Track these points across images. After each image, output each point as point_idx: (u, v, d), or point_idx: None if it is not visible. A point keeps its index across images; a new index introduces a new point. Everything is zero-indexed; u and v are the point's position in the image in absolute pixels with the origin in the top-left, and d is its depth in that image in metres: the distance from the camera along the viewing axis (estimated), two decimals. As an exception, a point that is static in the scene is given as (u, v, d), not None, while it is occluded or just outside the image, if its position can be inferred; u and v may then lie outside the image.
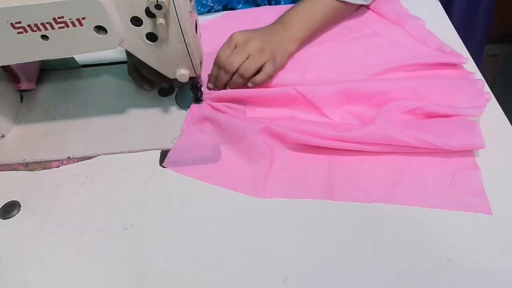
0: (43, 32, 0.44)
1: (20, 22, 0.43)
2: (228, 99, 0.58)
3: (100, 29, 0.45)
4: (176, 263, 0.45)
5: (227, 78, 0.58)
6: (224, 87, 0.59)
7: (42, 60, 0.65)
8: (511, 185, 0.48)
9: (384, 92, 0.54)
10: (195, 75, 0.55)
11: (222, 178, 0.51)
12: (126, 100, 0.61)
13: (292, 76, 0.60)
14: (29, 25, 0.43)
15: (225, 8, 0.76)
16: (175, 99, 0.61)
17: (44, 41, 0.45)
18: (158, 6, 0.42)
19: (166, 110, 0.59)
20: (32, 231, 0.49)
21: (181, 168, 0.53)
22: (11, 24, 0.43)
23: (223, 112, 0.56)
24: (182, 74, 0.52)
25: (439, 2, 0.72)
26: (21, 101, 0.63)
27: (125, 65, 0.63)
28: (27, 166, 0.55)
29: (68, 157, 0.56)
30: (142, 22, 0.46)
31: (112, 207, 0.50)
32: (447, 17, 0.69)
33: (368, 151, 0.51)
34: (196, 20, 0.51)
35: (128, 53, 0.61)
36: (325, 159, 0.52)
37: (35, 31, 0.44)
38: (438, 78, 0.57)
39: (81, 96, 0.63)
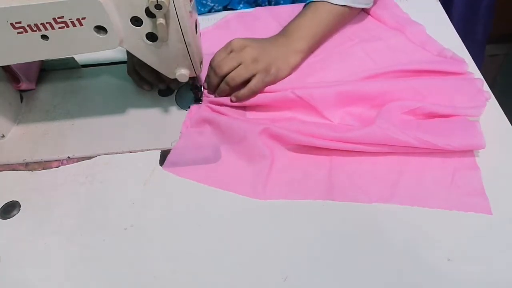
0: (43, 32, 0.44)
1: (20, 22, 0.43)
2: (226, 103, 0.57)
3: (100, 29, 0.45)
4: (176, 263, 0.45)
5: (216, 81, 0.57)
6: (214, 91, 0.58)
7: (42, 60, 0.65)
8: (511, 185, 0.48)
9: (383, 93, 0.54)
10: (195, 75, 0.55)
11: (222, 180, 0.51)
12: (126, 100, 0.61)
13: (292, 82, 0.59)
14: (29, 25, 0.43)
15: (225, 8, 0.76)
16: (175, 99, 0.61)
17: (44, 41, 0.45)
18: (158, 6, 0.42)
19: (166, 110, 0.59)
20: (32, 231, 0.49)
21: (181, 171, 0.52)
22: (11, 24, 0.43)
23: (223, 114, 0.56)
24: (182, 74, 0.52)
25: (439, 2, 0.72)
26: (21, 101, 0.63)
27: (125, 65, 0.63)
28: (27, 166, 0.55)
29: (68, 157, 0.56)
30: (142, 22, 0.46)
31: (112, 207, 0.50)
32: (447, 17, 0.69)
33: (368, 152, 0.51)
34: (196, 20, 0.51)
35: (128, 54, 0.61)
36: (325, 160, 0.52)
37: (35, 31, 0.44)
38: (438, 78, 0.57)
39: (81, 96, 0.63)
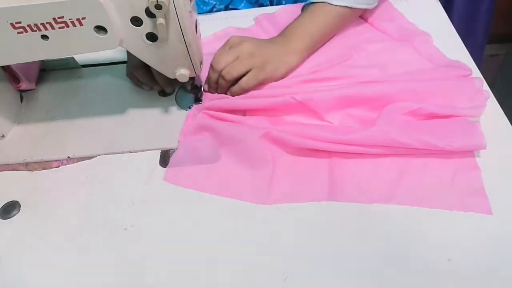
0: (43, 32, 0.44)
1: (20, 22, 0.43)
2: (225, 110, 0.57)
3: (100, 29, 0.45)
4: (176, 263, 0.45)
5: (215, 76, 0.57)
6: (214, 88, 0.59)
7: (42, 60, 0.65)
8: (511, 185, 0.48)
9: (383, 95, 0.54)
10: (195, 75, 0.55)
11: (225, 188, 0.51)
12: (126, 100, 0.61)
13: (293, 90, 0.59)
14: (29, 25, 0.43)
15: (226, 8, 0.76)
16: (175, 99, 0.61)
17: (44, 41, 0.45)
18: (158, 6, 0.42)
19: (166, 110, 0.59)
20: (32, 231, 0.49)
21: (182, 181, 0.52)
22: (11, 24, 0.43)
23: (221, 119, 0.55)
24: (182, 74, 0.52)
25: (439, 2, 0.72)
26: (21, 101, 0.63)
27: (125, 65, 0.63)
28: (27, 166, 0.55)
29: (68, 157, 0.56)
30: (142, 22, 0.46)
31: (112, 207, 0.50)
32: (447, 17, 0.69)
33: (369, 153, 0.51)
34: (196, 20, 0.51)
35: (128, 55, 0.61)
36: (325, 162, 0.51)
37: (35, 31, 0.44)
38: (437, 79, 0.56)
39: (81, 96, 0.63)
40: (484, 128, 0.50)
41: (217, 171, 0.52)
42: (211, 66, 0.57)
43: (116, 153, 0.55)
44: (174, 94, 0.61)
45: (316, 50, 0.64)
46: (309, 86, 0.58)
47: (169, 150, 0.55)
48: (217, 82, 0.58)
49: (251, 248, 0.45)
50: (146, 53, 0.50)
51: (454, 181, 0.48)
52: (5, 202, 0.52)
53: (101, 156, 0.55)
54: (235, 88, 0.57)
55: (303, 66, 0.63)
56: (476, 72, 0.59)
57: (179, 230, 0.48)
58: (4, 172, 0.55)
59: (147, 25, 0.46)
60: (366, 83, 0.57)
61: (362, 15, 0.70)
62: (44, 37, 0.45)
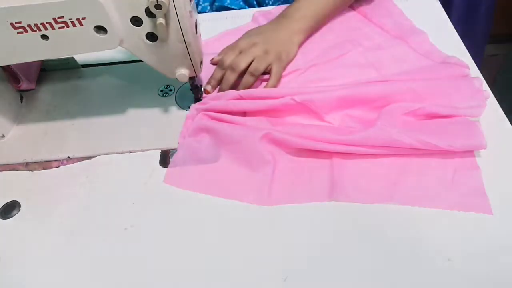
0: (43, 32, 0.44)
1: (20, 22, 0.43)
2: (225, 111, 0.56)
3: (100, 29, 0.45)
4: (176, 263, 0.45)
5: (234, 76, 0.59)
6: (230, 88, 0.59)
7: (42, 60, 0.65)
8: (511, 185, 0.48)
9: (384, 95, 0.54)
10: (195, 75, 0.55)
11: (226, 189, 0.50)
12: (126, 100, 0.61)
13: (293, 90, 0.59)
14: (29, 25, 0.43)
15: (212, 4, 0.76)
16: (175, 99, 0.61)
17: (44, 41, 0.45)
18: (158, 6, 0.42)
19: (166, 110, 0.59)
20: (32, 231, 0.49)
21: (182, 184, 0.51)
22: (11, 24, 0.43)
23: (221, 120, 0.55)
24: (182, 74, 0.52)
25: (439, 2, 0.72)
26: (21, 101, 0.63)
27: (125, 65, 0.63)
28: (27, 166, 0.55)
29: (68, 157, 0.56)
30: (142, 22, 0.46)
31: (112, 207, 0.50)
32: (447, 17, 0.69)
33: (369, 153, 0.51)
34: (196, 20, 0.51)
35: None
36: (325, 162, 0.51)
37: (35, 31, 0.44)
38: (437, 79, 0.56)
39: (81, 96, 0.63)
40: (484, 128, 0.50)
41: (217, 173, 0.52)
42: (229, 68, 0.59)
43: (116, 153, 0.55)
44: (174, 94, 0.61)
45: (318, 30, 0.67)
46: (308, 87, 0.58)
47: (169, 150, 0.55)
48: (233, 82, 0.59)
49: (251, 248, 0.45)
50: (146, 53, 0.50)
51: (454, 181, 0.48)
52: (5, 202, 0.52)
53: (101, 156, 0.55)
54: (272, 80, 0.59)
55: (301, 58, 0.64)
56: (476, 72, 0.59)
57: (179, 230, 0.48)
58: (4, 172, 0.55)
59: (147, 25, 0.46)
60: (365, 83, 0.57)
61: (360, 10, 0.70)
62: (44, 37, 0.45)
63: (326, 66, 0.62)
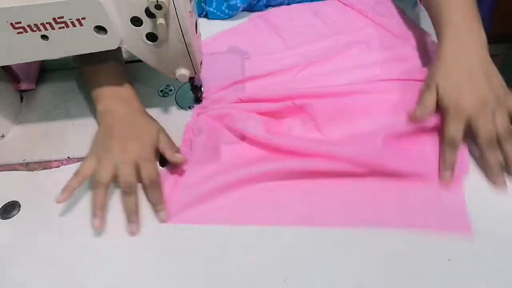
0: (43, 32, 0.44)
1: (20, 22, 0.43)
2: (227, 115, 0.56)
3: (100, 29, 0.45)
4: (176, 263, 0.45)
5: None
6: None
7: (42, 60, 0.65)
8: (509, 185, 0.48)
9: (385, 110, 0.54)
10: (195, 75, 0.55)
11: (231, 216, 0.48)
12: (126, 100, 0.61)
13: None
14: (29, 25, 0.43)
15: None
16: (175, 99, 0.61)
17: (44, 41, 0.45)
18: (158, 6, 0.42)
19: (166, 110, 0.59)
20: (32, 231, 0.49)
21: (186, 218, 0.49)
22: (11, 24, 0.43)
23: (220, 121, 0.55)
24: (182, 74, 0.52)
25: (439, 2, 0.72)
26: (21, 101, 0.63)
27: (125, 65, 0.63)
28: (27, 166, 0.55)
29: (68, 157, 0.56)
30: (142, 22, 0.46)
31: (112, 207, 0.50)
32: (447, 17, 0.69)
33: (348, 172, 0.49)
34: (196, 20, 0.51)
35: None
36: (303, 184, 0.49)
37: (35, 31, 0.44)
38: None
39: (81, 96, 0.63)
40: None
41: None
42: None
43: (116, 153, 0.55)
44: (174, 94, 0.61)
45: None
46: (310, 87, 0.58)
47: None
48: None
49: (251, 248, 0.45)
50: (146, 53, 0.50)
51: (437, 201, 0.46)
52: (5, 202, 0.52)
53: (101, 156, 0.55)
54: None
55: (301, 56, 0.64)
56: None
57: (179, 230, 0.47)
58: (4, 172, 0.55)
59: (147, 25, 0.46)
60: (366, 91, 0.57)
61: (363, 11, 0.70)
62: (44, 37, 0.45)
63: (328, 64, 0.62)
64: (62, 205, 0.51)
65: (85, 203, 0.51)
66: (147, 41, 0.48)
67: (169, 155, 0.50)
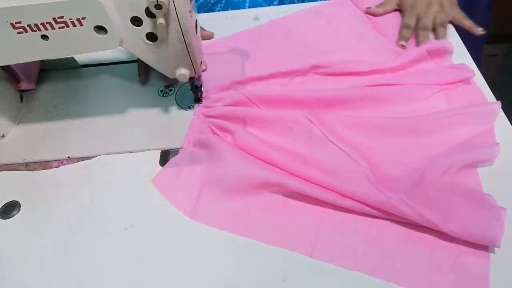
0: (43, 32, 0.44)
1: (20, 22, 0.43)
2: (230, 118, 0.55)
3: (100, 29, 0.45)
4: (176, 262, 0.45)
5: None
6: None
7: (42, 60, 0.65)
8: (511, 184, 0.48)
9: (398, 126, 0.53)
10: (195, 75, 0.55)
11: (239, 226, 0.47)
12: (126, 100, 0.61)
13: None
14: (29, 25, 0.43)
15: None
16: (175, 99, 0.61)
17: (44, 41, 0.45)
18: (158, 6, 0.42)
19: (166, 110, 0.59)
20: (32, 231, 0.49)
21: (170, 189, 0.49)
22: (11, 24, 0.43)
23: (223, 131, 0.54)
24: (182, 74, 0.52)
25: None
26: (21, 101, 0.63)
27: (125, 65, 0.63)
28: (27, 166, 0.55)
29: (68, 157, 0.56)
30: (142, 22, 0.46)
31: (112, 207, 0.50)
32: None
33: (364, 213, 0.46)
34: (196, 20, 0.51)
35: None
36: (317, 210, 0.47)
37: (35, 31, 0.44)
38: (458, 109, 0.54)
39: (81, 96, 0.63)
40: (484, 128, 0.50)
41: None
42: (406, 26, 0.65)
43: (116, 153, 0.55)
44: (174, 94, 0.61)
45: None
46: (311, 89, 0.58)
47: (169, 150, 0.55)
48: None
49: (251, 248, 0.45)
50: (146, 53, 0.50)
51: (455, 267, 0.41)
52: (5, 202, 0.52)
53: (101, 156, 0.55)
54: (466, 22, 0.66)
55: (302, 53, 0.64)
56: (476, 72, 0.59)
57: (179, 230, 0.48)
58: (4, 172, 0.55)
59: (147, 25, 0.46)
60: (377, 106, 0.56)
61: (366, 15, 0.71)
62: (44, 37, 0.45)
63: (338, 66, 0.61)
64: (62, 205, 0.51)
65: (85, 203, 0.51)
66: (147, 41, 0.48)
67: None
